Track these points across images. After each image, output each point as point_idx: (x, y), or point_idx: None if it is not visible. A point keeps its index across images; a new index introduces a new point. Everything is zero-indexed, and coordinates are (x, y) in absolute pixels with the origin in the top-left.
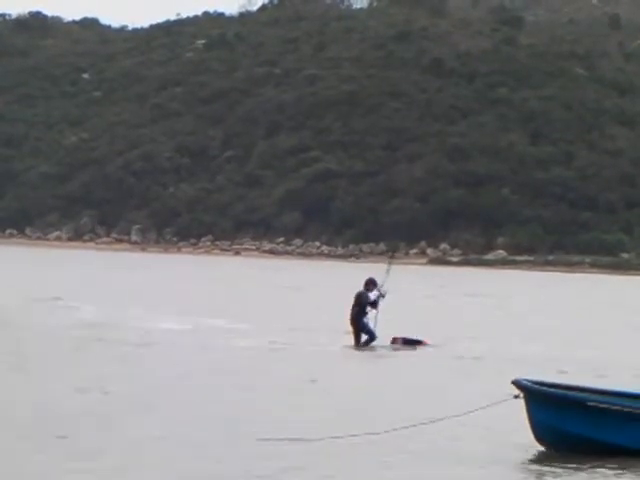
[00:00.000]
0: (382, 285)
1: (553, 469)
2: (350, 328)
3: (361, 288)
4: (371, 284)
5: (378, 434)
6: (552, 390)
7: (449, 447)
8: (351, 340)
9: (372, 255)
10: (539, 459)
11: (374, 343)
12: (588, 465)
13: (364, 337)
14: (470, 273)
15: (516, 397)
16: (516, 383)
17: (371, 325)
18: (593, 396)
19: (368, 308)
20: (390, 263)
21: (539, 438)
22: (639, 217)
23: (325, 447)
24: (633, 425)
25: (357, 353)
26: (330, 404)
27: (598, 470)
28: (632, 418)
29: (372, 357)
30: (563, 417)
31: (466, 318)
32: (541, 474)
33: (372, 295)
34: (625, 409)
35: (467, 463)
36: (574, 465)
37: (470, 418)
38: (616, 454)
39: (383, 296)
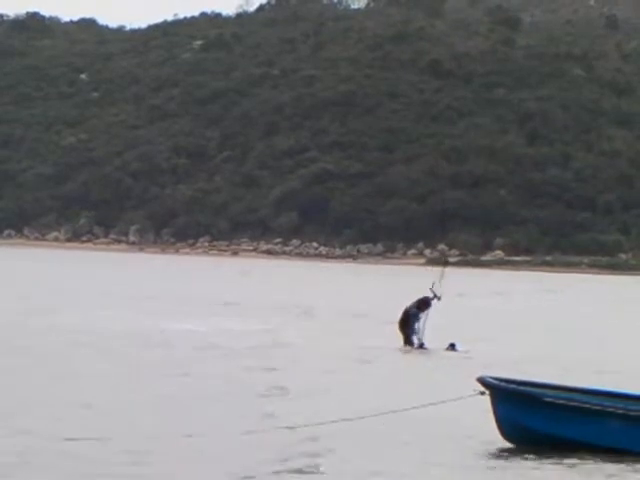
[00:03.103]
0: (437, 288)
1: (516, 465)
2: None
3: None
4: (424, 305)
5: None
6: (512, 386)
7: (414, 441)
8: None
9: (370, 256)
10: (504, 455)
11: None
12: (550, 461)
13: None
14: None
15: (482, 394)
16: (481, 380)
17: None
18: (550, 392)
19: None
20: (444, 267)
21: (504, 434)
22: (636, 218)
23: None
24: (589, 421)
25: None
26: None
27: (559, 465)
28: (588, 414)
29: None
30: (523, 413)
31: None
32: (505, 470)
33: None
34: (581, 405)
35: (432, 457)
36: (537, 460)
37: (437, 412)
38: (576, 450)
39: (439, 298)
